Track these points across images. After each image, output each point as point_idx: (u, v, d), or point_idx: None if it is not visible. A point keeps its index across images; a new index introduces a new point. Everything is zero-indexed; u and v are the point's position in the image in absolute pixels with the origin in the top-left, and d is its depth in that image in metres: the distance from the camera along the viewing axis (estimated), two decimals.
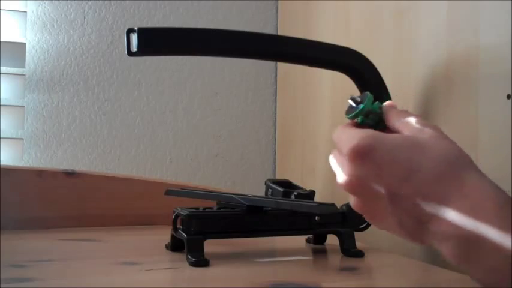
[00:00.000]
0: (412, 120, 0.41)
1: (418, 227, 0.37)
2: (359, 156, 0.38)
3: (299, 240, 0.72)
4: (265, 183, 0.74)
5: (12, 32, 1.00)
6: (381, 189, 0.38)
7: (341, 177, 0.40)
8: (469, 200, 0.35)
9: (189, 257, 0.56)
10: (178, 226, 0.61)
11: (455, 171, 0.37)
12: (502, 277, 0.33)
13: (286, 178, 0.78)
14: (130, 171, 1.05)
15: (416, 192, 0.37)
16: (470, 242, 0.34)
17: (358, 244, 0.65)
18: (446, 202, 0.36)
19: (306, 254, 0.68)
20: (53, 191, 0.83)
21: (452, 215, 0.35)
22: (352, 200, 0.41)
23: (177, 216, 0.61)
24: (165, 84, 1.09)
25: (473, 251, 0.34)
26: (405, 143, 0.38)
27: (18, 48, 1.00)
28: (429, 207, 0.36)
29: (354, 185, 0.39)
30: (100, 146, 1.04)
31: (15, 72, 1.00)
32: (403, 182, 0.37)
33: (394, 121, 0.43)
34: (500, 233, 0.33)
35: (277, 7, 1.16)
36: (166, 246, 0.65)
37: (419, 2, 0.76)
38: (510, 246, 0.33)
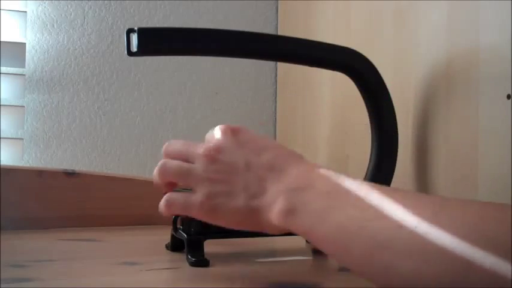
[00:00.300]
0: None
1: (259, 191, 0.44)
2: (232, 131, 0.47)
3: (299, 240, 0.72)
4: None
5: (12, 32, 1.00)
6: (241, 159, 0.46)
7: (209, 144, 0.47)
8: (305, 165, 0.45)
9: (189, 257, 0.56)
10: (178, 226, 0.61)
11: (296, 154, 0.47)
12: (322, 229, 0.39)
13: None
14: (130, 171, 1.05)
15: (267, 162, 0.45)
16: (299, 191, 0.42)
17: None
18: (287, 168, 0.44)
19: (306, 254, 0.68)
20: (53, 191, 0.83)
21: (290, 173, 0.44)
22: (203, 171, 0.46)
23: (177, 216, 0.61)
24: (165, 84, 1.09)
25: (301, 202, 0.41)
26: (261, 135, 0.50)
27: (18, 48, 1.00)
28: (274, 173, 0.44)
29: (220, 151, 0.46)
30: (100, 146, 1.04)
31: (15, 72, 1.00)
32: (259, 154, 0.46)
33: None
34: (324, 185, 0.41)
35: (277, 7, 1.16)
36: (166, 246, 0.65)
37: (419, 2, 0.76)
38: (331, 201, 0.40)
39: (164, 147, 0.51)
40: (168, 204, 0.48)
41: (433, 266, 0.32)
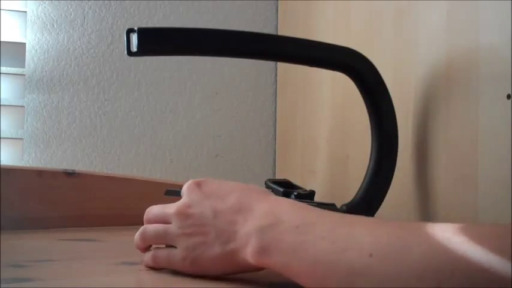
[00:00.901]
0: None
1: (231, 236, 0.46)
2: (196, 184, 0.50)
3: None
4: (265, 183, 0.74)
5: (12, 32, 1.00)
6: (208, 209, 0.48)
7: (177, 204, 0.50)
8: (270, 201, 0.46)
9: None
10: None
11: (260, 190, 0.50)
12: (299, 260, 0.40)
13: (286, 178, 0.78)
14: (130, 171, 1.05)
15: (232, 206, 0.47)
16: (269, 229, 0.43)
17: None
18: (253, 206, 0.46)
19: None
20: (53, 191, 0.83)
21: (257, 212, 0.45)
22: (177, 232, 0.49)
23: None
24: (165, 84, 1.09)
25: (272, 240, 0.42)
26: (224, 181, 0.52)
27: (18, 48, 1.00)
28: (241, 214, 0.46)
29: (189, 206, 0.49)
30: (100, 146, 1.04)
31: (15, 72, 1.00)
32: (224, 200, 0.48)
33: None
34: (292, 220, 0.43)
35: (277, 7, 1.16)
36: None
37: (419, 2, 0.76)
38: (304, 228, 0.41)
39: (145, 214, 0.54)
40: (154, 260, 0.52)
41: None
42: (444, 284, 0.32)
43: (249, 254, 0.44)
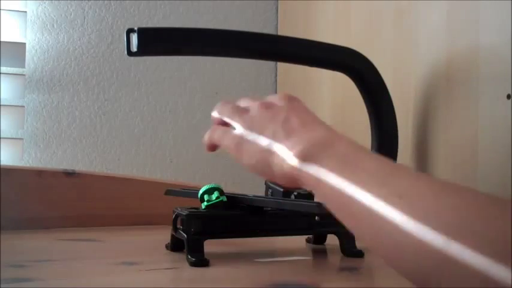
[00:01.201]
0: None
1: (283, 137, 0.47)
2: (289, 97, 0.52)
3: (299, 240, 0.72)
4: (265, 183, 0.74)
5: (12, 32, 1.00)
6: (282, 116, 0.49)
7: (261, 100, 0.52)
8: (330, 130, 0.48)
9: (189, 257, 0.56)
10: (178, 226, 0.61)
11: (327, 125, 0.50)
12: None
13: None
14: (130, 171, 1.05)
15: (309, 138, 0.47)
16: (319, 145, 0.44)
17: (358, 244, 0.65)
18: (314, 124, 0.49)
19: (306, 254, 0.68)
20: (53, 191, 0.83)
21: (315, 128, 0.48)
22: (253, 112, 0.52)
23: (177, 216, 0.61)
24: (165, 84, 1.09)
25: (316, 154, 0.44)
26: None
27: (18, 48, 1.00)
28: (302, 124, 0.49)
29: (274, 105, 0.51)
30: (100, 146, 1.04)
31: (15, 72, 1.00)
32: (303, 126, 0.49)
33: None
34: (344, 149, 0.43)
35: (277, 7, 1.16)
36: (166, 246, 0.65)
37: (419, 2, 0.76)
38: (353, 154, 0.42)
39: (220, 105, 0.55)
40: (211, 133, 0.54)
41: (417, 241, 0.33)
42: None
43: (287, 157, 0.45)
